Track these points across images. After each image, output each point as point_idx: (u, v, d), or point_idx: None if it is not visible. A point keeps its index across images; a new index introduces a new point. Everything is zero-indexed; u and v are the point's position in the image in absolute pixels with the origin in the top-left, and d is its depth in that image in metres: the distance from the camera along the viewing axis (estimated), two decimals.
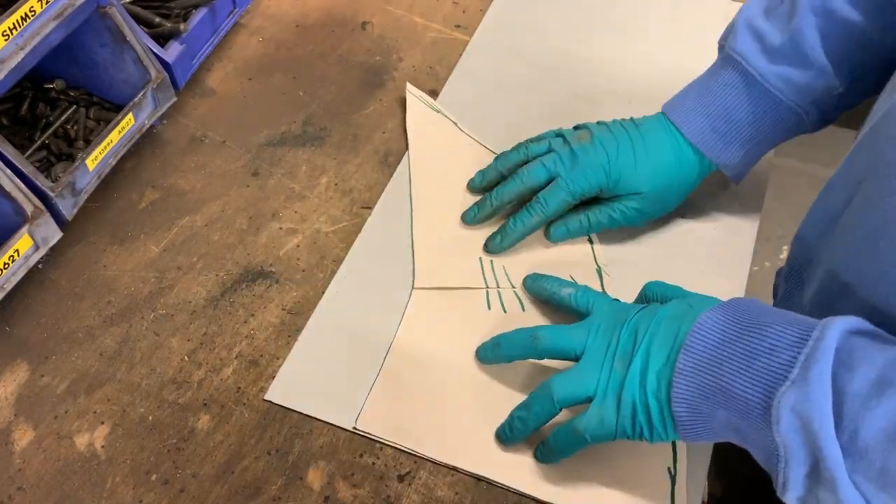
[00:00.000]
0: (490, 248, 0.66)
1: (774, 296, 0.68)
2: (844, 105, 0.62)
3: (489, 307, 0.63)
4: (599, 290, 0.64)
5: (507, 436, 0.55)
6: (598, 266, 0.65)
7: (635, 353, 0.49)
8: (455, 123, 0.76)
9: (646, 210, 0.65)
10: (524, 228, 0.65)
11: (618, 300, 0.57)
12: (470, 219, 0.68)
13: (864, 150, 0.52)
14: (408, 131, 0.75)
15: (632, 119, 0.66)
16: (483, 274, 0.65)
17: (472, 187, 0.70)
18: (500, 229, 0.66)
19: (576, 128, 0.67)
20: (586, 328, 0.53)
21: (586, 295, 0.58)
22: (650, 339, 0.49)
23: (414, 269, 0.65)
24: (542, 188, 0.65)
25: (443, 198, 0.70)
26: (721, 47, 0.65)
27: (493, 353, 0.59)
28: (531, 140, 0.69)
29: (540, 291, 0.62)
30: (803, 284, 0.59)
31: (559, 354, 0.54)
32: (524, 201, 0.66)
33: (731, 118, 0.62)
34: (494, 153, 0.73)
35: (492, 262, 0.66)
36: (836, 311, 0.52)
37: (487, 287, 0.64)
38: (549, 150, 0.66)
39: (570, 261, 0.66)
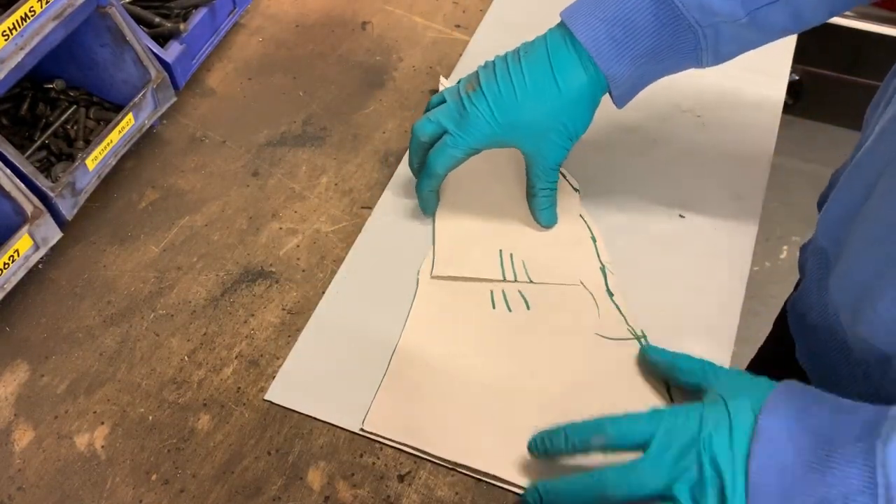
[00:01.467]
0: (425, 213, 0.69)
1: (801, 275, 0.68)
2: (741, 42, 0.59)
3: (494, 306, 0.63)
4: (603, 287, 0.64)
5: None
6: (602, 264, 0.66)
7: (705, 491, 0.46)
8: None
9: (559, 143, 0.63)
10: (430, 190, 0.67)
11: (672, 415, 0.50)
12: (421, 196, 0.69)
13: (886, 139, 0.52)
14: None
15: (521, 47, 0.64)
16: (502, 266, 0.65)
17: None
18: (419, 199, 0.68)
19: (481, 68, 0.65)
20: (653, 464, 0.48)
21: (633, 427, 0.50)
22: (717, 479, 0.46)
23: (434, 257, 0.66)
24: (435, 142, 0.65)
25: (468, 188, 0.70)
26: None
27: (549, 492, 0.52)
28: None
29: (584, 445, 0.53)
30: (829, 267, 0.58)
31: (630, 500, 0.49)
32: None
33: (628, 25, 0.59)
34: None
35: (511, 255, 0.66)
36: (861, 305, 0.52)
37: (505, 280, 0.64)
38: (443, 101, 0.66)
39: (575, 259, 0.66)
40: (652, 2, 0.58)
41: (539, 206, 0.67)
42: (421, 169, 0.67)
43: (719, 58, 0.61)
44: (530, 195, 0.67)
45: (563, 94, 0.61)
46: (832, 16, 0.59)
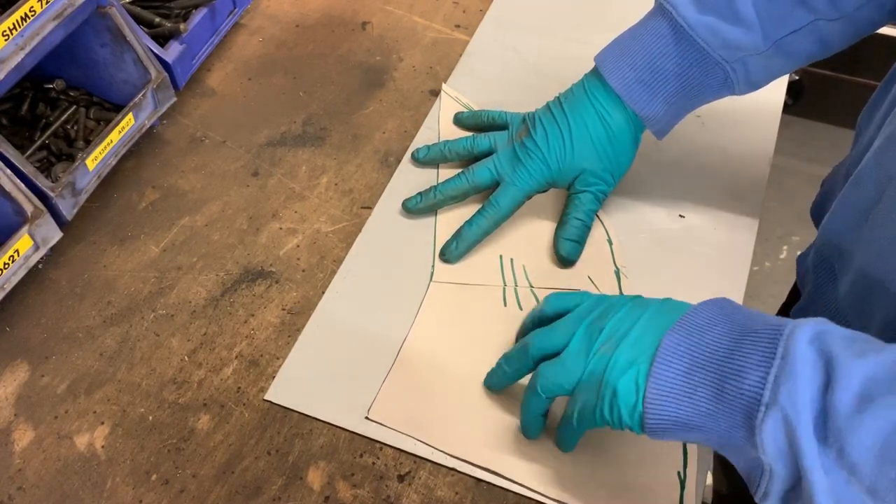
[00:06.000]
0: (446, 254, 0.66)
1: (801, 286, 0.68)
2: (771, 70, 0.61)
3: (505, 304, 0.63)
4: (617, 290, 0.64)
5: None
6: (617, 267, 0.65)
7: (618, 348, 0.48)
8: None
9: (605, 179, 0.66)
10: (480, 231, 0.65)
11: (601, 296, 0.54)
12: (412, 206, 0.69)
13: (894, 144, 0.52)
14: (440, 129, 0.76)
15: (562, 95, 0.66)
16: (502, 272, 0.65)
17: (416, 158, 0.73)
18: (455, 235, 0.66)
19: (524, 119, 0.68)
20: (573, 320, 0.52)
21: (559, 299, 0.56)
22: (635, 344, 0.48)
23: (434, 263, 0.66)
24: (487, 188, 0.67)
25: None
26: None
27: (497, 379, 0.57)
28: (482, 124, 0.73)
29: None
30: (836, 277, 0.58)
31: (549, 353, 0.52)
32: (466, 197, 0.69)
33: (656, 68, 0.61)
34: None
35: (511, 260, 0.66)
36: (871, 308, 0.52)
37: (505, 285, 0.64)
38: (493, 149, 0.68)
39: (589, 261, 0.66)
40: (676, 45, 0.60)
41: (565, 235, 0.65)
42: (435, 202, 0.68)
43: (754, 86, 0.62)
44: (561, 222, 0.66)
45: (609, 130, 0.64)
46: (858, 39, 0.60)
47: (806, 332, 0.41)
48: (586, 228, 0.66)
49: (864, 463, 0.38)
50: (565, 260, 0.65)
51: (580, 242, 0.66)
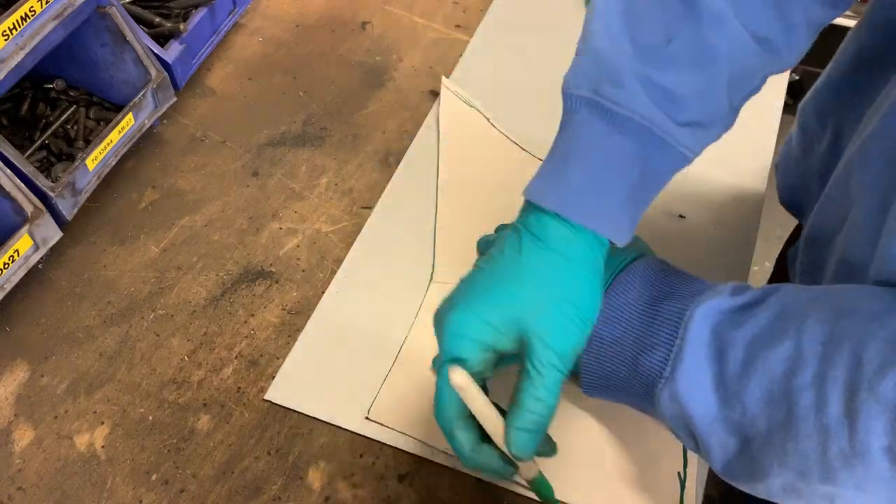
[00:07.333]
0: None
1: (791, 279, 0.64)
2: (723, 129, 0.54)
3: None
4: None
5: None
6: None
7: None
8: (488, 119, 0.76)
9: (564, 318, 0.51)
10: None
11: None
12: None
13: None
14: (439, 125, 0.76)
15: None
16: None
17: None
18: None
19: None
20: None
21: None
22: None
23: (434, 263, 0.66)
24: None
25: (469, 193, 0.70)
26: (593, 101, 0.51)
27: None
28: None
29: None
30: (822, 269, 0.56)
31: None
32: None
33: (630, 184, 0.49)
34: (526, 150, 0.73)
35: None
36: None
37: None
38: None
39: None
40: (655, 161, 0.50)
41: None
42: None
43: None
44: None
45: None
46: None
47: (704, 312, 0.45)
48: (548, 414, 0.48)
49: (759, 412, 0.42)
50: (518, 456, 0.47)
51: (539, 433, 0.47)
